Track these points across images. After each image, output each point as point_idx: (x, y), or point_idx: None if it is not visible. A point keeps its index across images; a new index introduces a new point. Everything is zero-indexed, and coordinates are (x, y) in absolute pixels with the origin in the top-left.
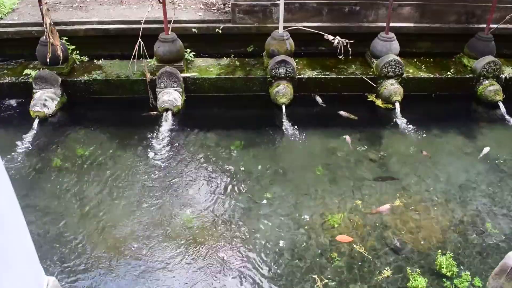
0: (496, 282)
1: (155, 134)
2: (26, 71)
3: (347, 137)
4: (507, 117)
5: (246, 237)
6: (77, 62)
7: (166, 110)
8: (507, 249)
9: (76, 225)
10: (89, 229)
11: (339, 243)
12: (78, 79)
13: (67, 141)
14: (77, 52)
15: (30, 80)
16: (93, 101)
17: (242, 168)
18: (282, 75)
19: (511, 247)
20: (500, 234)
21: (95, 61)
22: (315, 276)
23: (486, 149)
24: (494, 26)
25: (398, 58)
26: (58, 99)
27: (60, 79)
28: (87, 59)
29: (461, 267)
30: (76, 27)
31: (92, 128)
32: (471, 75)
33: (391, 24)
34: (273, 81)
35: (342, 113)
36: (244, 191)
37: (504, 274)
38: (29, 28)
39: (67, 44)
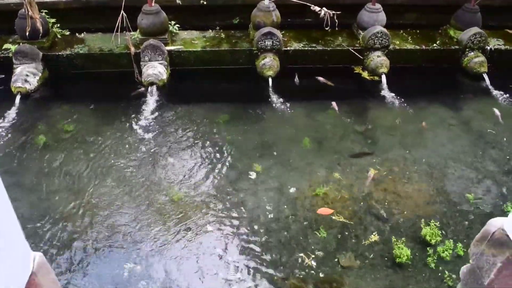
0: (477, 249)
1: (140, 108)
2: (6, 46)
3: (334, 103)
4: (491, 88)
5: (233, 211)
6: (58, 36)
7: (151, 84)
8: (489, 217)
9: (63, 201)
10: (76, 205)
11: (325, 215)
12: (60, 53)
13: (50, 117)
14: (58, 25)
15: (10, 55)
16: (76, 76)
17: (229, 141)
18: (269, 48)
19: (493, 215)
20: (483, 203)
21: (77, 34)
22: (302, 254)
23: (497, 112)
24: None
25: (384, 29)
26: (40, 74)
27: (41, 53)
28: (68, 33)
29: (445, 235)
30: None
31: (76, 104)
32: (457, 47)
33: None
34: (259, 53)
35: (320, 78)
36: (231, 164)
37: (485, 240)
38: (7, 1)
39: (47, 17)
